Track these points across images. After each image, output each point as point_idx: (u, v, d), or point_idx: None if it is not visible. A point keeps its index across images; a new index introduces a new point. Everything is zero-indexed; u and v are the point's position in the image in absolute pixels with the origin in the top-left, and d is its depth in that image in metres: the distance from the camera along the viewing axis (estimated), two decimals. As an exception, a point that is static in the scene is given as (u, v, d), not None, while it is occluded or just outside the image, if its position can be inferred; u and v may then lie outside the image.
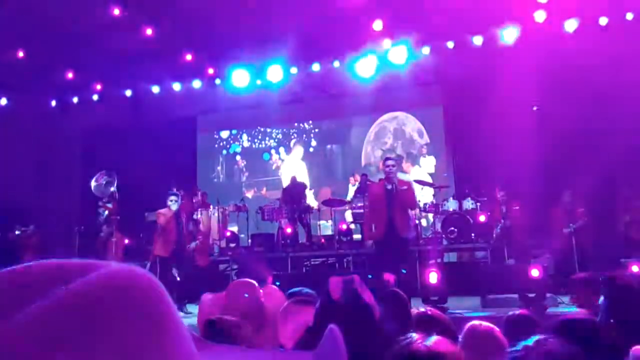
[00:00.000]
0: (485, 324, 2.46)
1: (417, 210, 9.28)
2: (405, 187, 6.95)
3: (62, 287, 0.48)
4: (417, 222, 9.70)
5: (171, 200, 8.18)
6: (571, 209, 8.57)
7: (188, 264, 8.41)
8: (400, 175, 8.26)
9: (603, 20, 9.83)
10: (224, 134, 13.96)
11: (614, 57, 9.40)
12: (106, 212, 9.55)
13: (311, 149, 13.40)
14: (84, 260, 0.53)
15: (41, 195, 11.64)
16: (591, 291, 3.86)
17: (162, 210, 8.25)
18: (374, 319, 1.51)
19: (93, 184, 9.10)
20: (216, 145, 14.02)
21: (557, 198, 8.86)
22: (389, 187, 6.91)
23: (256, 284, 3.01)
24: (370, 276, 7.02)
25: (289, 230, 10.19)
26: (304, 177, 12.80)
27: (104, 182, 9.18)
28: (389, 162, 7.06)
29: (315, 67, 11.43)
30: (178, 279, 8.06)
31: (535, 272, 6.63)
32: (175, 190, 8.57)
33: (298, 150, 13.43)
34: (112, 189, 9.18)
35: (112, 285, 0.50)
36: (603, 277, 2.29)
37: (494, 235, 8.93)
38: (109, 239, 9.35)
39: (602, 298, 2.28)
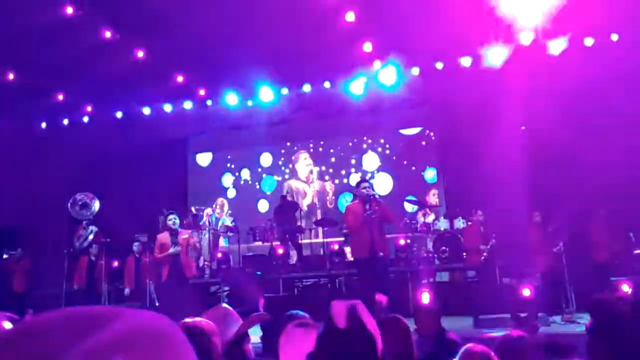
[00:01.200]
0: (480, 346, 2.45)
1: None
2: (377, 208, 7.08)
3: (98, 332, 0.53)
4: (408, 241, 9.72)
5: (170, 220, 7.96)
6: (557, 228, 8.61)
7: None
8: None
9: (589, 41, 9.98)
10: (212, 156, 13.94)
11: (599, 78, 9.53)
12: (91, 236, 9.35)
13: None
14: (109, 307, 0.58)
15: (30, 218, 11.53)
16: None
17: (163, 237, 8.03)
18: (377, 351, 1.50)
19: (69, 206, 8.95)
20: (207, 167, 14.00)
21: (546, 217, 8.90)
22: (367, 207, 7.08)
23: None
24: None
25: (280, 251, 10.17)
26: (307, 196, 12.88)
27: (78, 206, 8.97)
28: (364, 184, 7.23)
29: (306, 88, 11.53)
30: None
31: (526, 292, 6.64)
32: (167, 210, 8.44)
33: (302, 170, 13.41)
34: (87, 212, 8.96)
35: (146, 330, 0.56)
36: (592, 300, 2.29)
37: (483, 256, 8.94)
38: (97, 261, 9.25)
39: (589, 320, 2.28)
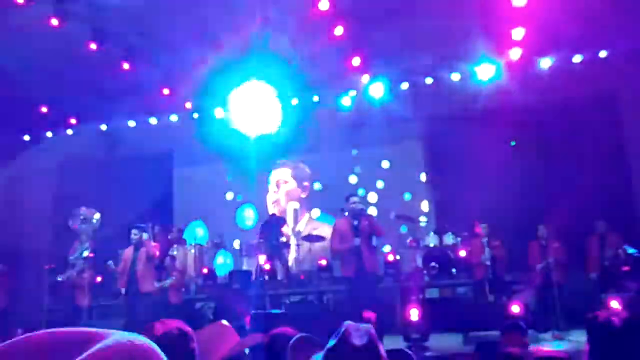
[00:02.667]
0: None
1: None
2: (367, 222, 6.99)
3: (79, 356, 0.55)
4: (397, 257, 9.61)
5: (132, 234, 8.26)
6: (546, 244, 8.55)
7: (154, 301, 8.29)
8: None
9: (577, 58, 10.03)
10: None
11: (588, 93, 9.56)
12: (86, 252, 9.24)
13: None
14: (88, 330, 0.61)
15: (12, 233, 11.30)
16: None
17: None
18: None
19: (72, 216, 8.94)
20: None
21: (534, 233, 8.85)
22: (355, 223, 6.98)
23: None
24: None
25: (267, 266, 10.01)
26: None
27: (82, 218, 8.99)
28: (354, 199, 7.15)
29: (294, 101, 11.47)
30: None
31: (515, 309, 6.56)
32: (140, 225, 8.50)
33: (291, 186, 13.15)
34: (84, 227, 8.97)
35: (125, 353, 0.58)
36: (586, 317, 2.23)
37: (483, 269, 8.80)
38: (80, 276, 9.06)
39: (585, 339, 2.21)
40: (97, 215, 9.08)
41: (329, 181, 12.33)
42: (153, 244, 8.60)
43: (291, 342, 2.14)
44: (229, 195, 12.95)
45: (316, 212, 12.35)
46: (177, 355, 2.27)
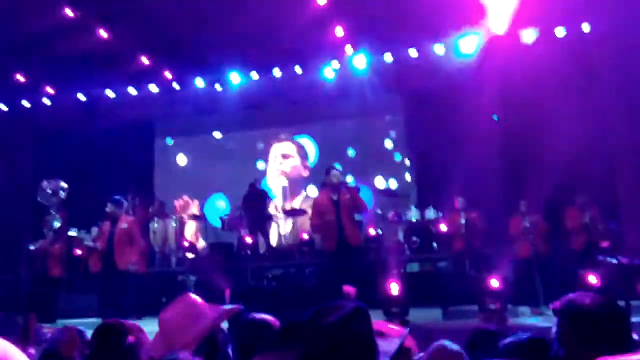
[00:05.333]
0: (454, 347, 2.30)
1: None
2: (348, 196, 6.91)
3: None
4: (379, 231, 9.61)
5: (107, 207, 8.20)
6: (527, 218, 8.56)
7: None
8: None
9: (560, 32, 9.96)
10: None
11: (572, 68, 9.51)
12: (57, 223, 9.11)
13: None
14: None
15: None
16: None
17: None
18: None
19: (39, 190, 8.72)
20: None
21: (516, 207, 8.87)
22: (334, 197, 6.90)
23: None
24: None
25: (249, 239, 9.97)
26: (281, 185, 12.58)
27: (50, 191, 8.78)
28: (334, 172, 7.06)
29: (276, 72, 11.30)
30: None
31: (494, 283, 6.57)
32: (116, 198, 8.36)
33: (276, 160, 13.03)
34: (54, 199, 8.79)
35: None
36: (559, 301, 2.14)
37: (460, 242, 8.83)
38: (52, 246, 8.96)
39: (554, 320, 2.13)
40: (64, 186, 8.85)
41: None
42: (129, 218, 8.48)
43: None
44: (261, 165, 12.85)
45: (313, 190, 12.16)
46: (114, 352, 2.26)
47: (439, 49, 10.45)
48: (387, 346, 1.52)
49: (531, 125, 9.71)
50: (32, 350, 3.94)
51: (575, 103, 9.33)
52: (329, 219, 6.89)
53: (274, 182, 12.59)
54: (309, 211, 8.14)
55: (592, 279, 6.58)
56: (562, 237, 8.84)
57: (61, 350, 3.66)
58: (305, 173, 12.57)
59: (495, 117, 10.51)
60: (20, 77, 10.77)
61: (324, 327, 1.27)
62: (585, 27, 9.80)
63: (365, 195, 9.41)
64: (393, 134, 12.16)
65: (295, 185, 12.58)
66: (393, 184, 11.73)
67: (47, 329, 4.79)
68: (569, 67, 9.69)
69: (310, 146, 12.67)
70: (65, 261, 9.16)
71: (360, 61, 10.71)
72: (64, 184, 8.78)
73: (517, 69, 9.68)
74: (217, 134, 13.09)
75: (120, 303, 7.74)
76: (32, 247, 9.11)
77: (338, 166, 7.63)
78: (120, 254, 8.01)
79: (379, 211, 10.08)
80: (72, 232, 9.12)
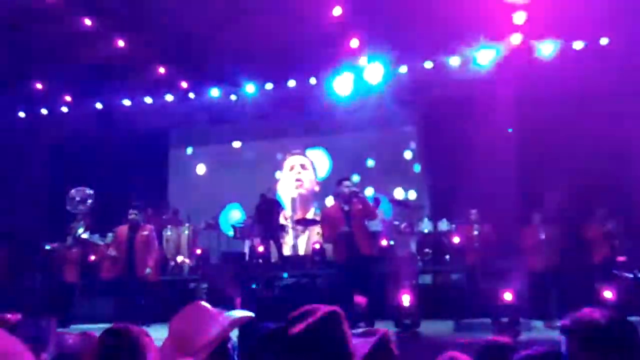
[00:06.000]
0: (461, 355, 2.28)
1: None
2: (360, 206, 6.90)
3: None
4: (391, 242, 9.57)
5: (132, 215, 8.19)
6: (541, 231, 8.47)
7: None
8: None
9: (578, 45, 9.90)
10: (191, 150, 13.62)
11: (589, 81, 9.45)
12: (81, 230, 9.25)
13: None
14: None
15: (8, 210, 11.24)
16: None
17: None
18: None
19: (68, 199, 8.90)
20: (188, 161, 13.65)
21: (530, 219, 8.79)
22: (346, 208, 6.90)
23: None
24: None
25: (260, 248, 9.98)
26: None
27: (78, 199, 8.96)
28: (346, 183, 7.07)
29: (291, 83, 11.35)
30: None
31: (507, 296, 6.50)
32: (137, 204, 8.44)
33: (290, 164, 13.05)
34: (81, 207, 8.96)
35: None
36: (568, 318, 2.07)
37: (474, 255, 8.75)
38: (69, 250, 9.07)
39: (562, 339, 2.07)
40: (91, 194, 9.02)
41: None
42: (149, 225, 8.55)
43: None
44: (279, 175, 12.91)
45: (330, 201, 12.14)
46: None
47: (455, 60, 10.43)
48: (362, 348, 1.51)
49: (547, 137, 9.64)
50: (45, 355, 3.96)
51: (592, 115, 9.26)
52: (340, 229, 6.88)
53: (287, 193, 12.60)
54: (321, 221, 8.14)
55: (608, 294, 6.50)
56: (579, 250, 8.73)
57: (79, 356, 3.68)
58: (317, 188, 12.59)
59: (510, 130, 10.45)
60: (39, 85, 10.93)
61: (293, 337, 1.27)
62: (603, 40, 9.75)
63: (384, 206, 9.40)
64: (412, 145, 12.14)
65: (306, 198, 12.59)
66: (412, 195, 11.67)
67: (67, 334, 4.81)
68: (585, 80, 9.63)
69: (322, 159, 12.68)
70: (80, 266, 9.25)
71: (374, 73, 10.69)
72: (91, 192, 8.95)
73: (533, 81, 9.63)
74: (236, 144, 13.16)
75: (138, 309, 7.79)
76: (48, 247, 9.23)
77: (355, 177, 7.64)
78: (140, 261, 8.05)
79: (396, 222, 10.04)
80: (85, 235, 9.20)
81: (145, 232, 8.21)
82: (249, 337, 2.78)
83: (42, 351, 3.91)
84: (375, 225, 7.62)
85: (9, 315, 2.84)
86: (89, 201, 9.03)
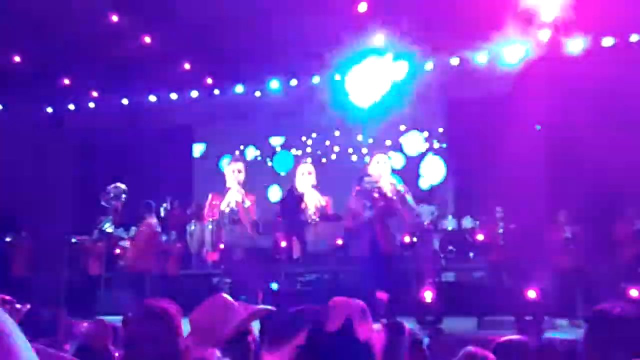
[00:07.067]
0: (481, 351, 2.27)
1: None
2: (382, 203, 6.87)
3: None
4: (414, 239, 9.49)
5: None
6: (567, 229, 8.36)
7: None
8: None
9: (607, 41, 9.71)
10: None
11: (618, 79, 9.27)
12: (107, 224, 9.45)
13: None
14: None
15: (34, 202, 11.46)
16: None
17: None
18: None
19: (103, 194, 9.09)
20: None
21: (556, 217, 8.68)
22: (368, 204, 6.87)
23: None
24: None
25: (284, 244, 9.99)
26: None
27: (112, 195, 9.17)
28: (367, 179, 7.03)
29: (316, 79, 11.33)
30: None
31: (531, 294, 6.43)
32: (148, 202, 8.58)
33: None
34: (114, 203, 9.16)
35: None
36: (593, 311, 2.08)
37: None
38: (95, 244, 9.24)
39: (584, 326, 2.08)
40: (125, 190, 9.22)
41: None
42: (149, 221, 8.73)
43: None
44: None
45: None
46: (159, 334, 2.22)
47: (482, 57, 10.30)
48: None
49: (574, 135, 9.48)
50: (67, 347, 4.04)
51: (622, 113, 9.09)
52: (362, 225, 6.86)
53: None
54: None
55: (634, 293, 6.38)
56: (607, 248, 8.59)
57: (94, 343, 3.75)
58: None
59: (538, 128, 10.30)
60: (66, 81, 11.10)
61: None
62: (634, 37, 9.55)
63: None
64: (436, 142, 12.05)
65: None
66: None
67: (83, 324, 4.90)
68: (615, 78, 9.44)
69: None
70: (104, 259, 9.40)
71: (399, 69, 10.60)
72: (124, 188, 9.13)
73: (562, 78, 9.47)
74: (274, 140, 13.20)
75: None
76: (74, 240, 9.41)
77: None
78: (138, 256, 8.29)
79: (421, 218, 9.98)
80: (110, 229, 9.36)
81: (143, 228, 8.44)
82: (270, 330, 2.79)
83: (49, 338, 3.99)
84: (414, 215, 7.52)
85: (18, 305, 2.88)
86: (123, 196, 9.22)
